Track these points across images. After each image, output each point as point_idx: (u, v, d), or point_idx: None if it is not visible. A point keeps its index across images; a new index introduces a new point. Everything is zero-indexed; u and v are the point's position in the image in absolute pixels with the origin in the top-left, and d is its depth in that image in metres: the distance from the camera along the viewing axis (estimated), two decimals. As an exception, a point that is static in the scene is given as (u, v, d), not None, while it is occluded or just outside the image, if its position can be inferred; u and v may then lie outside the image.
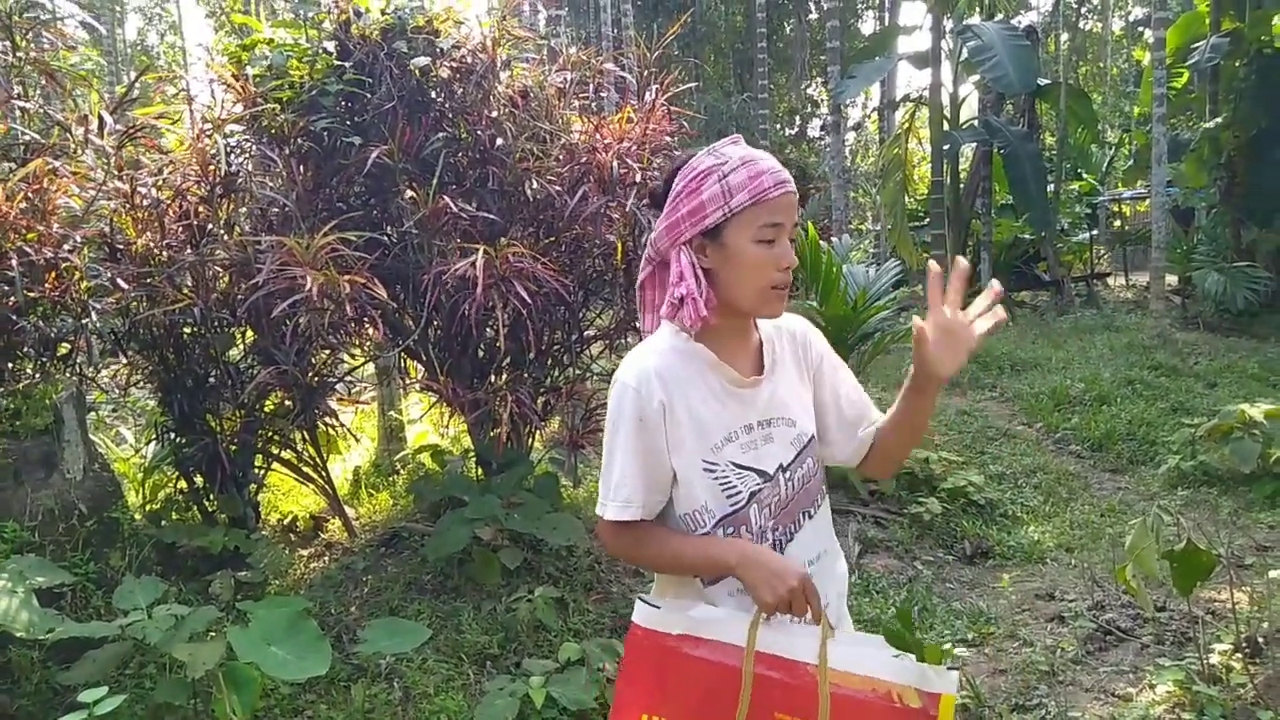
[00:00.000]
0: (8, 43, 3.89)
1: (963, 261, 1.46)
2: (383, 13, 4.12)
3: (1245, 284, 10.47)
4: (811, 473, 1.58)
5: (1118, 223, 17.95)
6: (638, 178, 4.13)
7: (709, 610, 1.47)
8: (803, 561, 1.51)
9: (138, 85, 4.84)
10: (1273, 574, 3.79)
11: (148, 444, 4.68)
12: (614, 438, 1.50)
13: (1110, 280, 16.01)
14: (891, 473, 1.67)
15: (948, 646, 1.30)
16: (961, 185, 13.76)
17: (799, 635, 1.41)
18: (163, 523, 4.04)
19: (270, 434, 4.33)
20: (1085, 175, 16.50)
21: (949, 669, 1.40)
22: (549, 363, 4.59)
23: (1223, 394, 7.40)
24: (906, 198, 13.93)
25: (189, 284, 3.82)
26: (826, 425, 1.64)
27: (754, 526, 1.50)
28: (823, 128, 22.44)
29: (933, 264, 1.47)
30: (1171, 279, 11.85)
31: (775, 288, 1.47)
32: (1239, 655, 3.17)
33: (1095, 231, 16.20)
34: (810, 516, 1.57)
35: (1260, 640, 3.24)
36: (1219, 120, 11.13)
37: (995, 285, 1.48)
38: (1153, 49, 10.60)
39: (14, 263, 3.34)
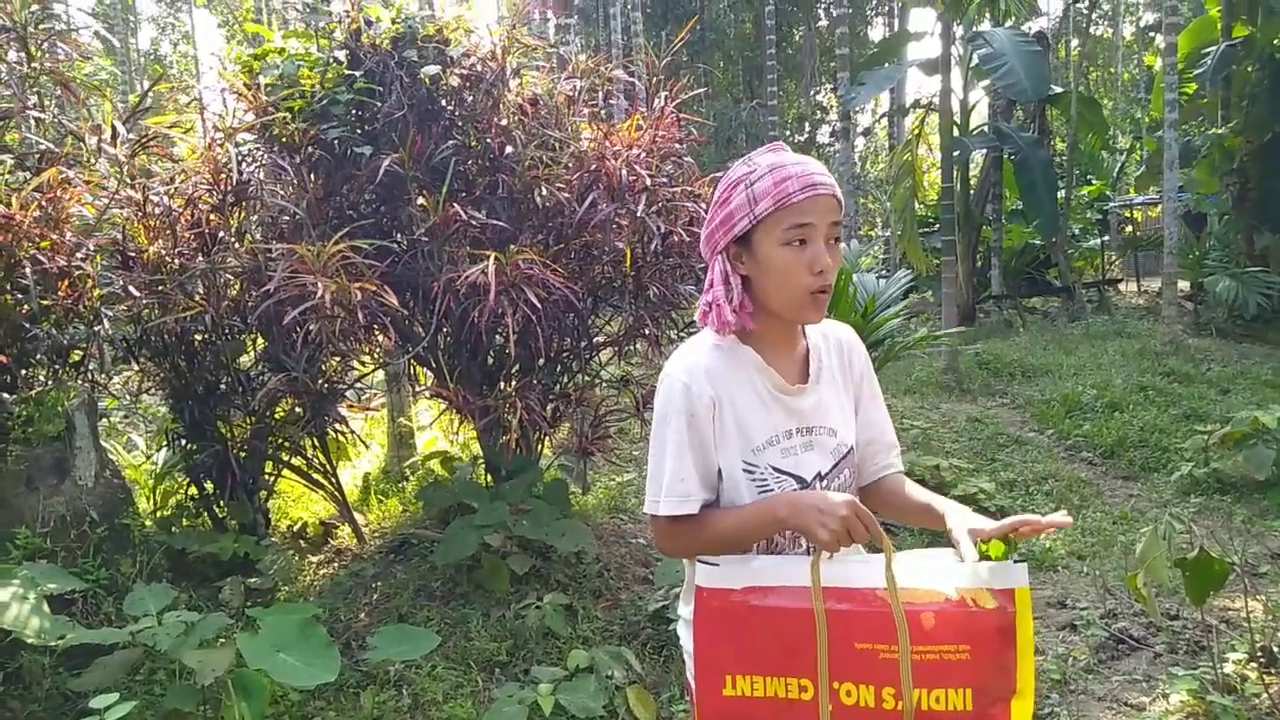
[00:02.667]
0: (23, 54, 3.93)
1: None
2: (393, 22, 4.14)
3: (1258, 289, 10.40)
4: (848, 484, 1.59)
5: (1129, 228, 17.87)
6: (647, 184, 4.14)
7: (768, 559, 1.47)
8: None
9: (150, 94, 4.87)
10: (1287, 582, 3.76)
11: (159, 450, 4.70)
12: (664, 432, 1.49)
13: (1122, 286, 15.92)
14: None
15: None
16: (972, 191, 13.72)
17: (861, 564, 1.40)
18: (173, 529, 4.06)
19: (280, 441, 4.34)
20: (1095, 181, 16.44)
21: (1015, 562, 1.37)
22: (558, 369, 4.59)
23: (1236, 400, 7.34)
24: (916, 204, 13.90)
25: (200, 291, 3.84)
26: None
27: (787, 532, 1.50)
28: (832, 134, 22.43)
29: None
30: (1184, 285, 11.78)
31: (812, 292, 1.46)
32: (1254, 665, 3.14)
33: (1106, 237, 16.14)
34: None
35: (1275, 649, 3.21)
36: (1231, 126, 11.08)
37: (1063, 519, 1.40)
38: (1164, 54, 10.55)
39: (27, 271, 3.37)
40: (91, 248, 3.67)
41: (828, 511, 1.35)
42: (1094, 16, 24.82)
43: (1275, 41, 10.70)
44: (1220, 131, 11.19)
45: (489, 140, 4.14)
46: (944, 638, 1.32)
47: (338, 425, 4.44)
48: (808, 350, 1.60)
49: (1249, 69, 10.94)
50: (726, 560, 1.45)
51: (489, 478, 4.58)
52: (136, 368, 4.12)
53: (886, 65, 13.06)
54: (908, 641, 1.32)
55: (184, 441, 4.22)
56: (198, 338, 4.07)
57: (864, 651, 1.33)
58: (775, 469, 1.51)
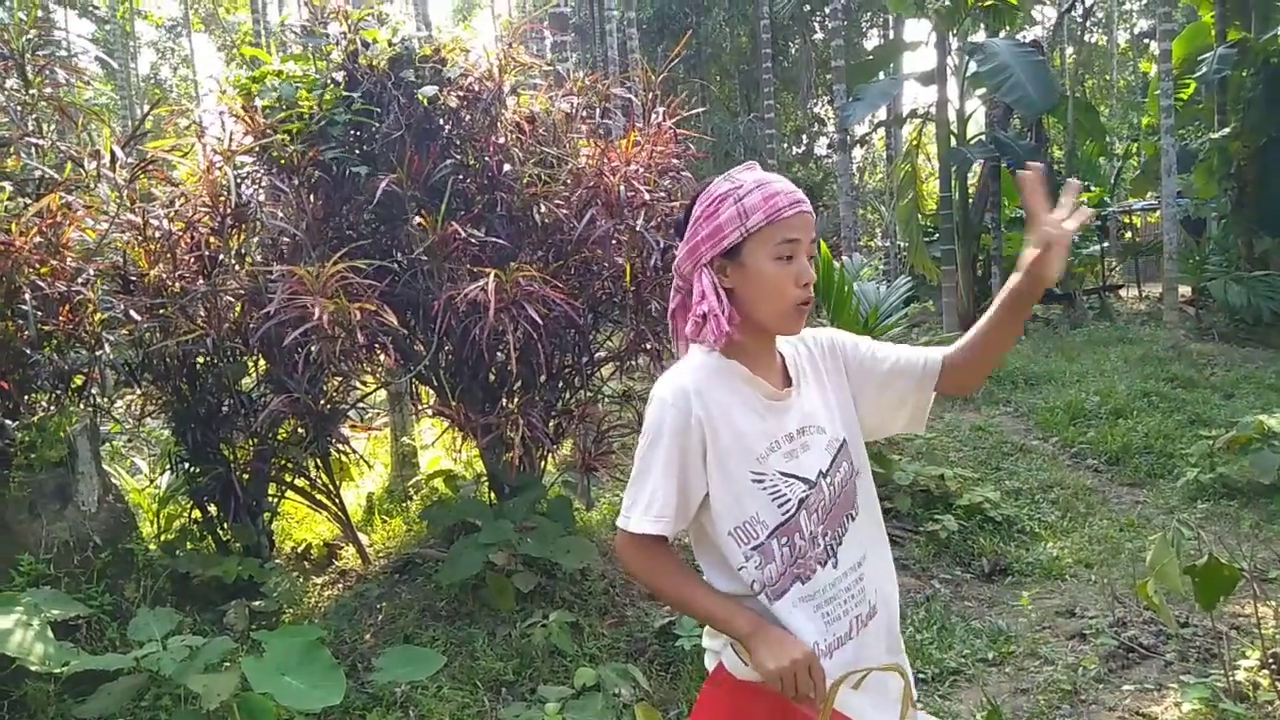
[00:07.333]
0: (21, 80, 3.95)
1: (1037, 166, 1.47)
2: (390, 43, 4.16)
3: (1266, 294, 10.36)
4: (848, 476, 1.60)
5: (1129, 234, 17.89)
6: (646, 199, 4.14)
7: None
8: (852, 562, 1.55)
9: (150, 118, 4.89)
10: (1297, 587, 3.74)
11: (162, 474, 4.70)
12: (650, 452, 1.51)
13: (1123, 292, 15.94)
14: (980, 384, 1.71)
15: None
16: (970, 200, 13.73)
17: (881, 711, 1.47)
18: (177, 553, 4.04)
19: (283, 462, 4.33)
20: (1094, 188, 16.47)
21: None
22: (560, 385, 4.59)
23: (1240, 405, 7.32)
24: (919, 214, 13.93)
25: (201, 314, 3.85)
26: (901, 390, 1.65)
27: (805, 533, 1.52)
28: (830, 146, 22.50)
29: (1032, 166, 1.46)
30: (1184, 290, 11.77)
31: (797, 305, 1.51)
32: (1265, 671, 3.12)
33: (1106, 244, 16.13)
34: (853, 519, 1.59)
35: (1287, 655, 3.19)
36: (1227, 130, 11.10)
37: (1074, 183, 1.49)
38: (1159, 61, 10.59)
39: (27, 297, 3.37)
40: (92, 273, 3.68)
41: (784, 651, 1.42)
42: (1088, 24, 24.93)
43: (1270, 46, 10.73)
44: (1217, 136, 11.22)
45: (487, 159, 4.15)
46: None
47: (340, 445, 4.43)
48: (783, 358, 1.63)
49: (1244, 73, 10.97)
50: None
51: (492, 496, 4.57)
52: (139, 391, 4.11)
53: (883, 77, 13.11)
54: None
55: (187, 464, 4.21)
56: (199, 360, 4.07)
57: None
58: (782, 473, 1.52)
